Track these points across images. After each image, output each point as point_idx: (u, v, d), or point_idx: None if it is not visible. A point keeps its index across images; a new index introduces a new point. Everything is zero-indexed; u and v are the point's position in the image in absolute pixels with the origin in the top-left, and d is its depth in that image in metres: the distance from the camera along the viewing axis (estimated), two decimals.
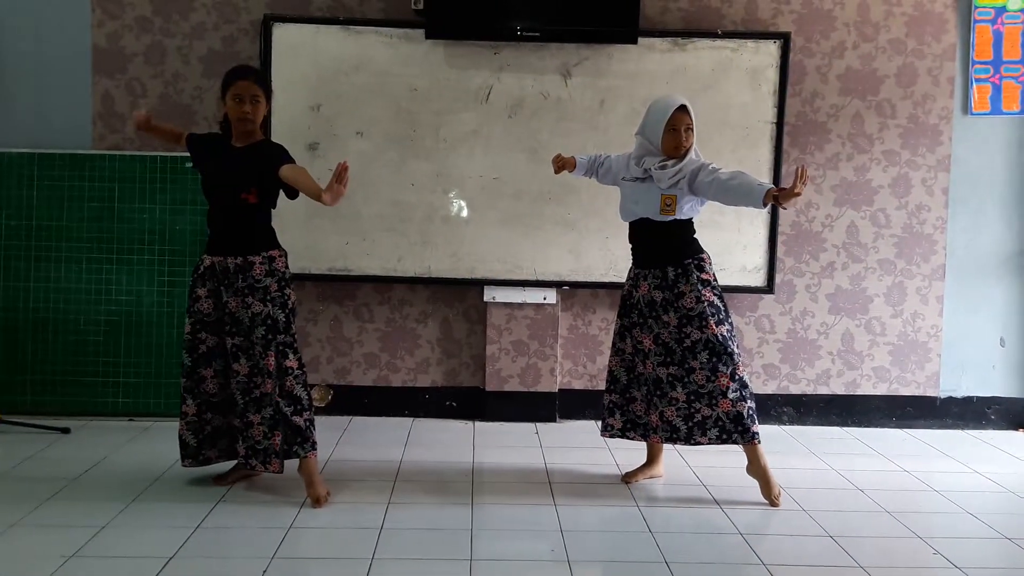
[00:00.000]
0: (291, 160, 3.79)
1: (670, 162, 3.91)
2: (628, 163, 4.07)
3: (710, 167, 3.86)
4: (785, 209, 4.21)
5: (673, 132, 3.90)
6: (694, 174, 3.87)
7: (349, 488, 4.02)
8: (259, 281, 3.78)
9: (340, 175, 3.49)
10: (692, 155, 3.95)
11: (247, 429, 3.82)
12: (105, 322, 5.03)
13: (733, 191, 3.77)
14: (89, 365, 5.03)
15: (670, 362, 3.98)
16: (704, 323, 3.90)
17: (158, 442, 4.58)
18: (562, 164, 4.28)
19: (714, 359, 3.90)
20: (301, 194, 3.77)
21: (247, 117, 3.76)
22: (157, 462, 4.26)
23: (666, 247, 4.00)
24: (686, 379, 3.95)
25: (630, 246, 4.15)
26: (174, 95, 5.17)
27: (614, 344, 4.20)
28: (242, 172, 3.77)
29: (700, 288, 3.93)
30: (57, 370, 5.02)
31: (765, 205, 3.68)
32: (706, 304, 3.91)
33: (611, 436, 4.22)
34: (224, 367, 3.87)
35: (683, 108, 3.92)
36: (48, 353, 5.03)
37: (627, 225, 4.13)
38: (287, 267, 3.89)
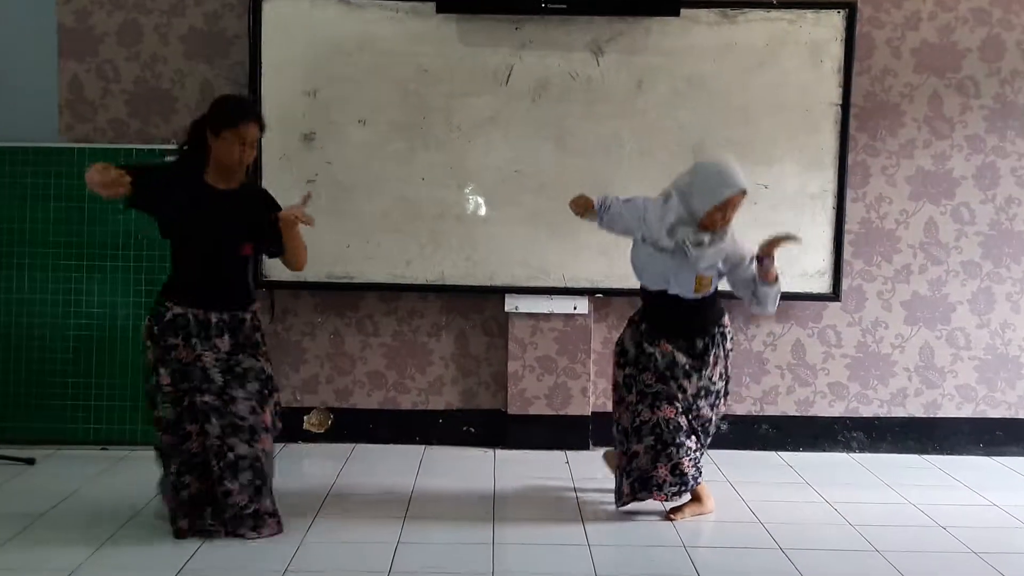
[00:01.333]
0: None
1: (706, 238, 3.97)
2: (658, 227, 4.01)
3: (748, 260, 4.03)
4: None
5: (721, 211, 3.93)
6: (735, 264, 4.03)
7: (352, 525, 4.03)
8: (250, 337, 3.93)
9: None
10: (729, 231, 4.03)
11: (227, 497, 3.81)
12: (74, 338, 5.07)
13: (761, 296, 4.06)
14: (56, 387, 5.06)
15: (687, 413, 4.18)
16: (716, 403, 4.22)
17: (134, 474, 4.60)
18: (584, 206, 4.22)
19: (705, 438, 4.24)
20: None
21: (244, 163, 3.86)
22: (133, 496, 4.27)
23: (692, 321, 4.14)
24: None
25: (643, 301, 4.24)
26: (151, 79, 5.21)
27: (622, 399, 4.23)
28: (238, 224, 3.87)
29: (724, 362, 4.19)
30: (20, 392, 5.06)
31: (769, 279, 4.00)
32: (723, 382, 4.21)
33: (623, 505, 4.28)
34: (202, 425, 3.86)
35: (743, 192, 3.94)
36: (9, 373, 5.07)
37: None
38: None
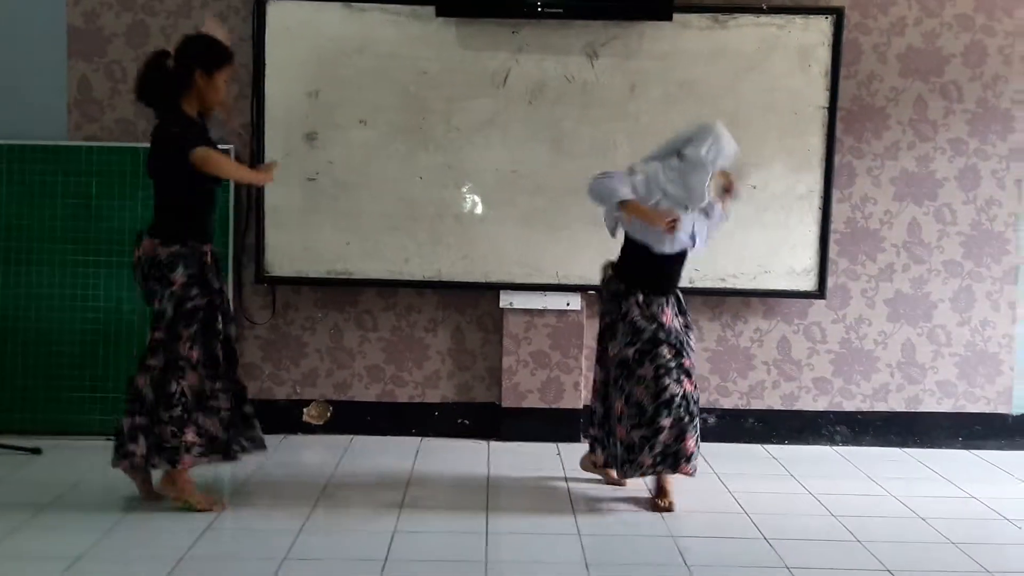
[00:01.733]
0: None
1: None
2: (684, 188, 4.09)
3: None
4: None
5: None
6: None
7: (350, 514, 4.06)
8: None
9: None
10: None
11: (254, 418, 4.18)
12: (82, 331, 5.09)
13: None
14: (64, 379, 5.08)
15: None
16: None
17: None
18: (667, 216, 4.09)
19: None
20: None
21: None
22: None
23: (679, 272, 4.30)
24: None
25: (638, 271, 4.21)
26: None
27: (631, 373, 4.17)
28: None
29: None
30: (28, 384, 5.08)
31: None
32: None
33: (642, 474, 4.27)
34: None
35: None
36: (18, 366, 5.09)
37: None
38: None
